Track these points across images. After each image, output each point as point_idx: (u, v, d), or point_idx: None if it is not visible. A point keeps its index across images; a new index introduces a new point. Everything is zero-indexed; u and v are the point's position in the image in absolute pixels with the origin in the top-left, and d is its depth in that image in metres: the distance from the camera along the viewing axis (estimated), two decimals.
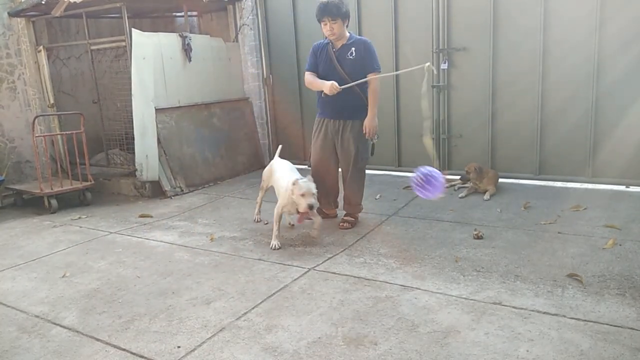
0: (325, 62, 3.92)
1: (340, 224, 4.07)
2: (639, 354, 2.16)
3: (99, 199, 5.52)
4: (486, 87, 5.11)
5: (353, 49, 3.85)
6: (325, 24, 3.78)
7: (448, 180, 5.27)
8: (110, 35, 5.94)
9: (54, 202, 5.12)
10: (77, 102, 6.33)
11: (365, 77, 3.78)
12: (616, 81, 4.53)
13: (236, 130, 6.40)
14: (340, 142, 3.98)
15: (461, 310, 2.63)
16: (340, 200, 4.25)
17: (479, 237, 3.61)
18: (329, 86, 3.72)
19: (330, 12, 3.72)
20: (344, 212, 4.18)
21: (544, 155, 5.00)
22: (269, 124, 6.73)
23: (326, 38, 3.95)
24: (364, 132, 3.91)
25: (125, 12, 5.26)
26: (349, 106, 3.89)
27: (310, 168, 4.16)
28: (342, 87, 3.71)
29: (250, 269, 3.35)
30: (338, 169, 4.16)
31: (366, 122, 3.90)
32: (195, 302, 2.93)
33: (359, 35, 5.65)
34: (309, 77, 3.97)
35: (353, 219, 4.10)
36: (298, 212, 3.64)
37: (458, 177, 5.18)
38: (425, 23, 5.30)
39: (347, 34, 3.92)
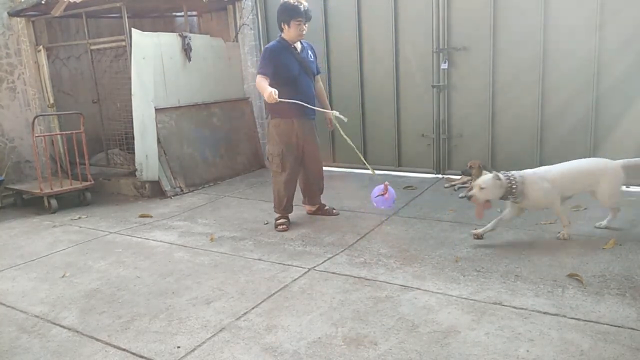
0: (294, 64, 3.96)
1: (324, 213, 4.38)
2: (639, 354, 2.16)
3: (98, 199, 5.52)
4: (486, 87, 5.11)
5: (309, 52, 4.13)
6: (300, 25, 3.87)
7: (448, 180, 5.29)
8: (110, 35, 5.94)
9: (53, 202, 5.12)
10: (76, 102, 6.32)
11: (314, 78, 4.17)
12: (617, 81, 4.53)
13: (236, 130, 6.39)
14: (310, 140, 4.14)
15: (461, 310, 2.62)
16: (298, 199, 4.38)
17: (479, 237, 3.61)
18: (269, 93, 3.65)
19: (309, 15, 3.89)
20: (323, 205, 4.43)
21: (545, 155, 4.99)
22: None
23: (278, 40, 3.98)
24: (329, 125, 4.26)
25: (125, 12, 5.26)
26: (313, 105, 4.11)
27: (281, 172, 4.12)
28: (280, 99, 3.69)
29: (250, 269, 3.34)
30: None
31: (331, 115, 4.17)
32: (195, 302, 2.93)
33: (359, 32, 5.72)
34: (262, 80, 3.82)
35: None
36: None
37: (459, 176, 5.18)
38: (425, 23, 5.30)
39: None
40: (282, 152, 4.04)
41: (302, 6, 3.85)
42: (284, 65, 3.92)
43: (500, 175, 3.34)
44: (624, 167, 3.44)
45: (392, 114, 5.70)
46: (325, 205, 4.42)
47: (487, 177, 3.37)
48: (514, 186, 3.32)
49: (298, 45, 4.03)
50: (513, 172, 3.40)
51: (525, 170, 3.47)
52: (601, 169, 3.45)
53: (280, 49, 3.95)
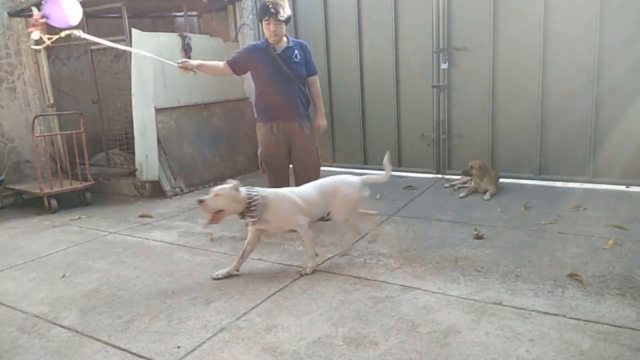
0: (269, 64, 3.87)
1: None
2: (639, 354, 2.16)
3: (98, 199, 5.51)
4: (486, 86, 5.11)
5: (296, 51, 3.95)
6: (269, 24, 3.76)
7: (448, 180, 5.29)
8: (110, 35, 5.93)
9: (53, 202, 5.12)
10: (76, 102, 6.32)
11: (306, 79, 4.04)
12: (616, 81, 4.53)
13: (236, 130, 6.39)
14: (299, 141, 4.02)
15: (461, 310, 2.62)
16: None
17: (479, 237, 3.60)
18: (187, 63, 3.79)
19: (273, 14, 3.71)
20: None
21: (544, 155, 4.99)
22: None
23: (262, 40, 3.97)
24: (317, 130, 4.17)
25: (125, 12, 5.27)
26: (300, 107, 4.00)
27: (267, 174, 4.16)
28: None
29: (250, 269, 3.34)
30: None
31: (320, 121, 4.18)
32: (195, 302, 2.93)
33: (359, 31, 5.70)
34: (218, 62, 3.96)
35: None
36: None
37: (459, 177, 5.18)
38: (425, 23, 5.30)
39: (285, 37, 3.95)
40: (262, 154, 4.08)
41: (268, 4, 3.69)
42: (256, 66, 3.90)
43: (242, 189, 3.09)
44: (364, 183, 3.34)
45: (392, 114, 5.70)
46: None
47: (226, 186, 3.07)
48: (254, 204, 3.06)
49: (281, 45, 3.90)
50: (259, 190, 3.16)
51: (271, 190, 3.29)
52: (337, 184, 3.31)
53: (258, 48, 3.90)
